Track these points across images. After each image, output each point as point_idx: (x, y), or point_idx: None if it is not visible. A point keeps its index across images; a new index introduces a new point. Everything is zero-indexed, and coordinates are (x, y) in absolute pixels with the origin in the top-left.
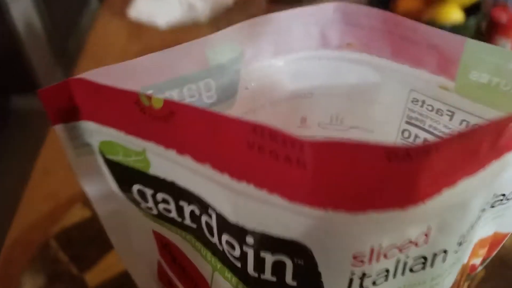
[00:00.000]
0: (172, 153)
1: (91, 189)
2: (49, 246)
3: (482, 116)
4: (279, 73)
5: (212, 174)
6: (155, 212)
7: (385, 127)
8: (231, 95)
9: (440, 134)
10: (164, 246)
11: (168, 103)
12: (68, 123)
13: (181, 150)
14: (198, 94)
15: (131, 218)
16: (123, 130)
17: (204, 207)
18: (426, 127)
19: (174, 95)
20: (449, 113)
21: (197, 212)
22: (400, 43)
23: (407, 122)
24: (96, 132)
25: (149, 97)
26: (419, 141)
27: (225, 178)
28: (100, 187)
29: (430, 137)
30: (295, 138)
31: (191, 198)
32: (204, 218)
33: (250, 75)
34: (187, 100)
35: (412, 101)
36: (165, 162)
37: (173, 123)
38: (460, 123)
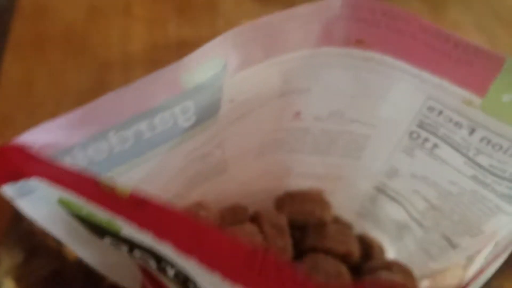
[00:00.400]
0: (148, 236)
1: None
2: (22, 218)
3: (505, 136)
4: (270, 76)
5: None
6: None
7: (390, 124)
8: (213, 113)
9: (455, 144)
10: (145, 270)
11: (135, 196)
12: (16, 182)
13: (160, 236)
14: (173, 120)
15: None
16: (85, 198)
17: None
18: (440, 134)
19: (142, 127)
20: (470, 129)
21: (181, 276)
22: (424, 49)
23: (418, 126)
24: (51, 190)
25: (112, 187)
26: (428, 145)
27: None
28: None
29: (442, 144)
30: None
31: (175, 264)
32: (190, 286)
33: (236, 87)
34: (159, 129)
35: (428, 109)
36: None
37: (146, 212)
38: (481, 140)
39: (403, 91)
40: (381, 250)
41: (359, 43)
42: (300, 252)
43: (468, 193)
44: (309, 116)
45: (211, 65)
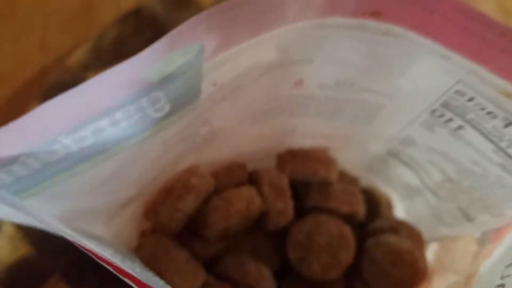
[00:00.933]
0: None
1: None
2: None
3: None
4: (261, 51)
5: None
6: None
7: (408, 98)
8: (193, 98)
9: (484, 131)
10: None
11: None
12: None
13: None
14: (141, 113)
15: None
16: None
17: None
18: (467, 118)
19: (103, 124)
20: (506, 121)
21: None
22: (459, 32)
23: (443, 105)
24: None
25: None
26: (451, 125)
27: None
28: None
29: (468, 128)
30: None
31: None
32: None
33: (218, 69)
34: (124, 124)
35: (456, 92)
36: None
37: None
38: None
39: (427, 70)
40: (389, 206)
41: (375, 14)
42: (302, 211)
43: (493, 176)
44: (313, 84)
45: (181, 53)
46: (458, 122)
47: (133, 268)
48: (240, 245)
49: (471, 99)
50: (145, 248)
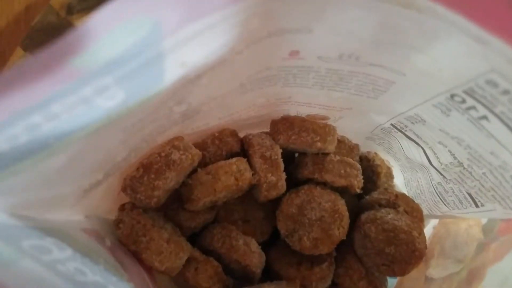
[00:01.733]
0: None
1: None
2: None
3: None
4: (242, 22)
5: None
6: None
7: (424, 78)
8: (153, 83)
9: None
10: None
11: None
12: None
13: None
14: (87, 103)
15: None
16: None
17: None
18: (496, 111)
19: (36, 120)
20: None
21: None
22: (506, 13)
23: (466, 92)
24: None
25: None
26: (473, 113)
27: None
28: None
29: (495, 121)
30: None
31: None
32: None
33: (184, 47)
34: (64, 117)
35: (487, 82)
36: None
37: None
38: None
39: (454, 51)
40: (388, 176)
41: None
42: (295, 182)
43: (511, 170)
44: (312, 56)
45: (125, 32)
46: (482, 112)
47: (93, 269)
48: (230, 215)
49: (506, 92)
50: (123, 226)
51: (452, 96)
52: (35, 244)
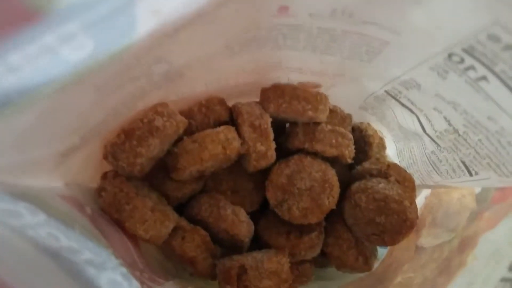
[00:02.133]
0: None
1: None
2: None
3: None
4: None
5: None
6: None
7: (420, 36)
8: (126, 33)
9: None
10: None
11: None
12: None
13: None
14: (49, 53)
15: None
16: None
17: None
18: (496, 70)
19: None
20: None
21: None
22: None
23: (465, 51)
24: None
25: None
26: (471, 74)
27: None
28: None
29: (494, 81)
30: None
31: None
32: None
33: None
34: (27, 70)
35: (489, 37)
36: None
37: None
38: None
39: (453, 2)
40: (381, 146)
41: None
42: (286, 151)
43: (509, 135)
44: (302, 12)
45: None
46: (481, 72)
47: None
48: (218, 185)
49: (507, 47)
50: (105, 195)
51: (450, 55)
52: (3, 208)
